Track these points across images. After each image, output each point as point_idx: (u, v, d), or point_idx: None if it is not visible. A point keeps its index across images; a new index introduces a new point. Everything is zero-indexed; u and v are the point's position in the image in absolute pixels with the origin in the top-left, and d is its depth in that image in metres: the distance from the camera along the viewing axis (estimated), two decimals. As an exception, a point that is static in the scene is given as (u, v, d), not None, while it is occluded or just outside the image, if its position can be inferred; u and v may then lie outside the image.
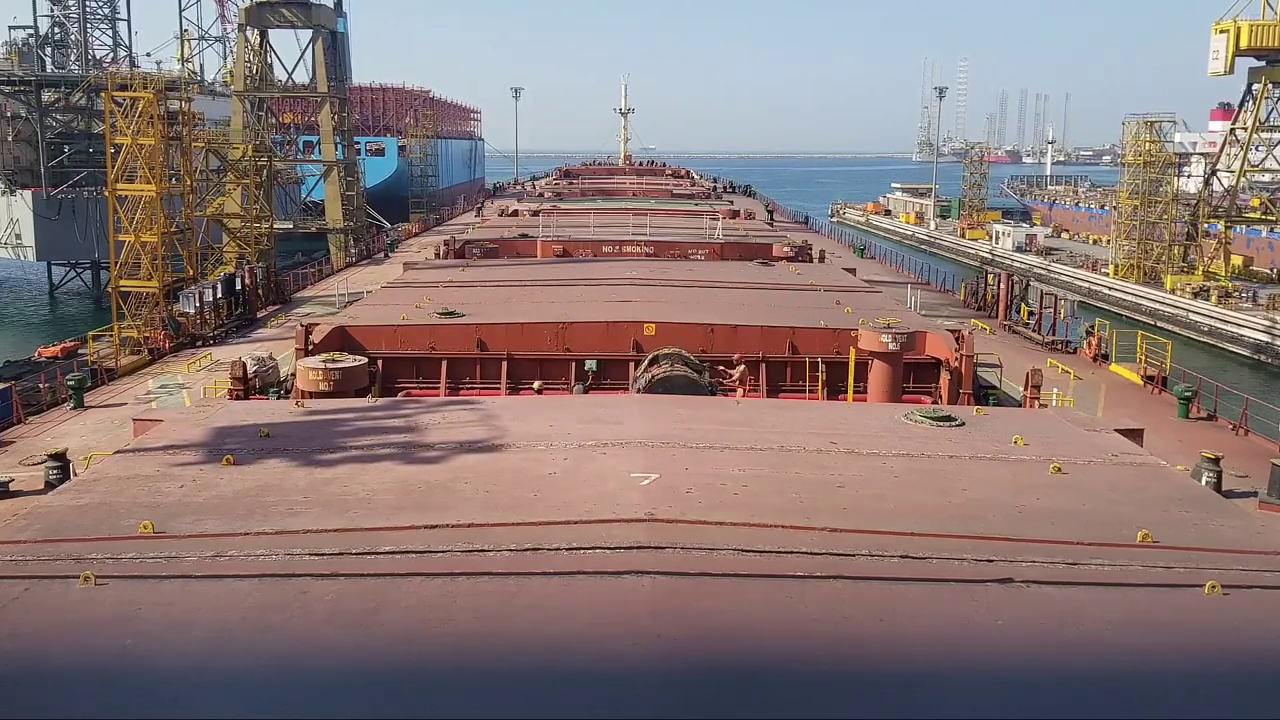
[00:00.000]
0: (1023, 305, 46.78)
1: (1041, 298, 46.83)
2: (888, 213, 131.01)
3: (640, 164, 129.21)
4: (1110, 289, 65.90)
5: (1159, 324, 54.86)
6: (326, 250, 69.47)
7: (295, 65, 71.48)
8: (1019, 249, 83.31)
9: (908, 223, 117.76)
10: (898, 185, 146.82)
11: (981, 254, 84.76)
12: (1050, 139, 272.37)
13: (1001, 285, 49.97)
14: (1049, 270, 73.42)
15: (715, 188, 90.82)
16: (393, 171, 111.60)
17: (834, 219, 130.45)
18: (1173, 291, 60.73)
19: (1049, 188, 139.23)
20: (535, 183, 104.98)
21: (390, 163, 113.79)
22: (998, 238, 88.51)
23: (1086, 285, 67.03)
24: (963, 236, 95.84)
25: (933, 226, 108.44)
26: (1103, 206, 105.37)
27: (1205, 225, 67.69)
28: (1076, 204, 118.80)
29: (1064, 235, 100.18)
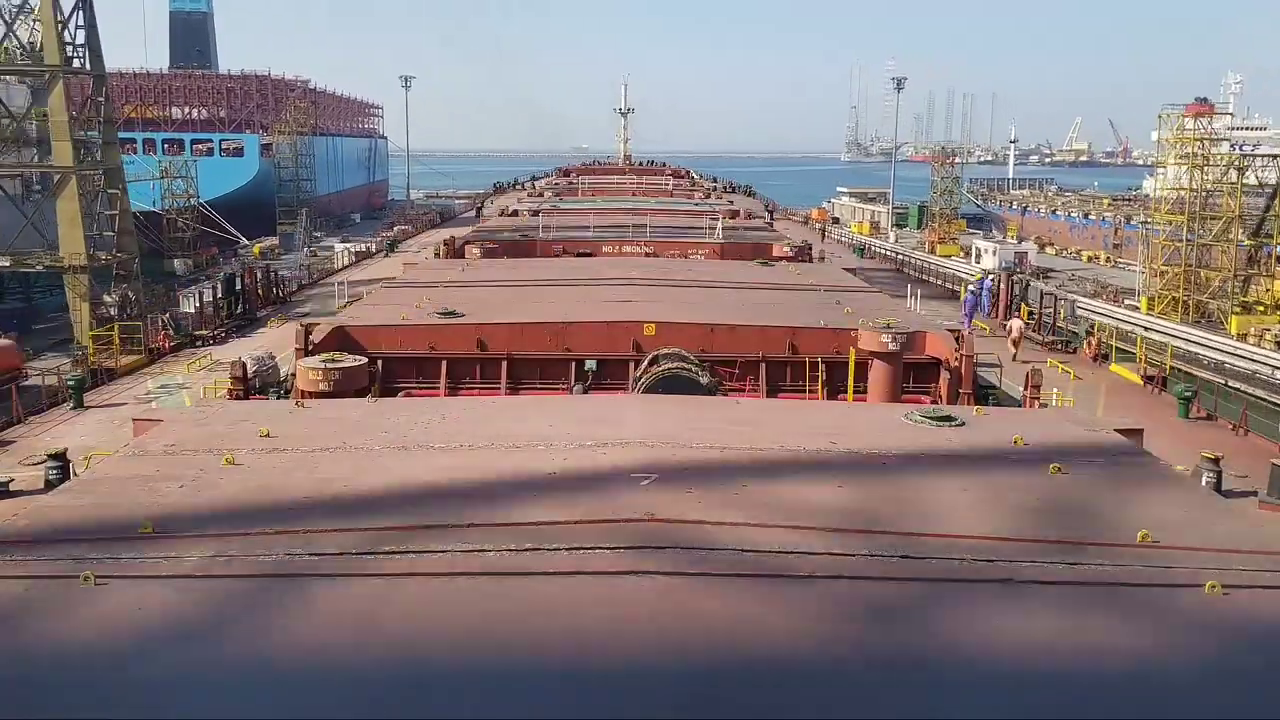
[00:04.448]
0: (1022, 305, 46.87)
1: (1041, 298, 46.88)
2: (835, 221, 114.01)
3: (640, 164, 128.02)
4: (1148, 329, 48.10)
5: (1227, 384, 37.20)
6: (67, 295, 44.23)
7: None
8: (1007, 270, 65.57)
9: (861, 233, 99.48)
10: (844, 189, 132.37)
11: (962, 275, 65.24)
12: (1013, 138, 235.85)
13: (1001, 285, 50.07)
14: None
15: (715, 188, 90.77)
16: (253, 175, 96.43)
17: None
18: (1242, 338, 45.60)
19: (1012, 192, 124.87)
20: (535, 183, 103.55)
21: (249, 164, 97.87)
22: (978, 255, 72.25)
23: (1113, 323, 47.79)
24: (931, 252, 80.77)
25: (892, 239, 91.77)
26: (1086, 215, 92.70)
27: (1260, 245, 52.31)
28: (1053, 211, 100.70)
29: (1049, 250, 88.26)
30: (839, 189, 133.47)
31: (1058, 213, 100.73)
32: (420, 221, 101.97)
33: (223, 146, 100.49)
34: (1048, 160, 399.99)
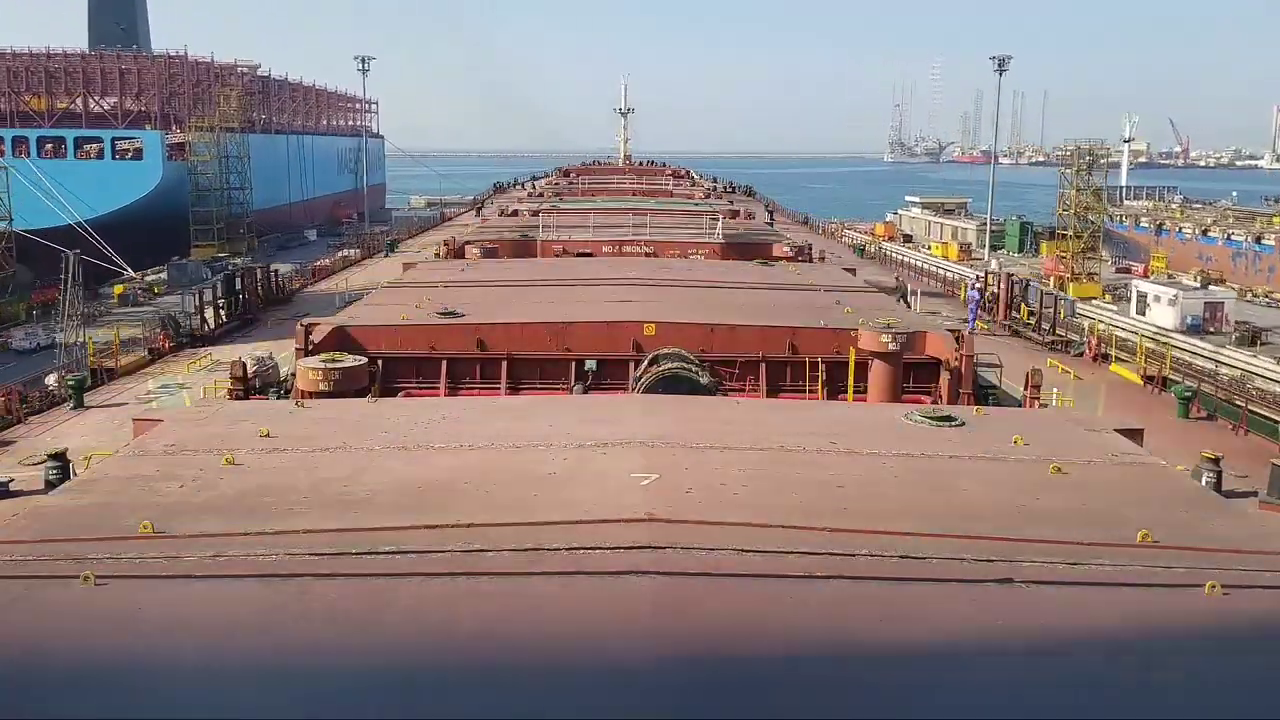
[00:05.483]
0: (1023, 305, 46.90)
1: (1041, 297, 46.94)
2: (907, 238, 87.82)
3: (640, 164, 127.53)
4: None
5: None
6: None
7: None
8: (1192, 328, 45.98)
9: (946, 258, 72.92)
10: (914, 199, 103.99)
11: (1134, 334, 43.13)
12: (1127, 135, 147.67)
13: (1002, 285, 50.11)
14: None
15: (715, 188, 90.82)
16: (155, 184, 75.51)
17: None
18: None
19: (1128, 203, 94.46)
20: (535, 183, 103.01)
21: (150, 170, 76.61)
22: (1143, 303, 47.96)
23: None
24: (1059, 290, 53.86)
25: (995, 267, 62.99)
26: (1259, 239, 66.08)
27: None
28: (1204, 232, 71.62)
29: (1235, 291, 58.95)
30: (908, 199, 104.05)
31: (1211, 234, 71.57)
32: (372, 243, 74.83)
33: (117, 147, 78.74)
34: (1103, 161, 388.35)
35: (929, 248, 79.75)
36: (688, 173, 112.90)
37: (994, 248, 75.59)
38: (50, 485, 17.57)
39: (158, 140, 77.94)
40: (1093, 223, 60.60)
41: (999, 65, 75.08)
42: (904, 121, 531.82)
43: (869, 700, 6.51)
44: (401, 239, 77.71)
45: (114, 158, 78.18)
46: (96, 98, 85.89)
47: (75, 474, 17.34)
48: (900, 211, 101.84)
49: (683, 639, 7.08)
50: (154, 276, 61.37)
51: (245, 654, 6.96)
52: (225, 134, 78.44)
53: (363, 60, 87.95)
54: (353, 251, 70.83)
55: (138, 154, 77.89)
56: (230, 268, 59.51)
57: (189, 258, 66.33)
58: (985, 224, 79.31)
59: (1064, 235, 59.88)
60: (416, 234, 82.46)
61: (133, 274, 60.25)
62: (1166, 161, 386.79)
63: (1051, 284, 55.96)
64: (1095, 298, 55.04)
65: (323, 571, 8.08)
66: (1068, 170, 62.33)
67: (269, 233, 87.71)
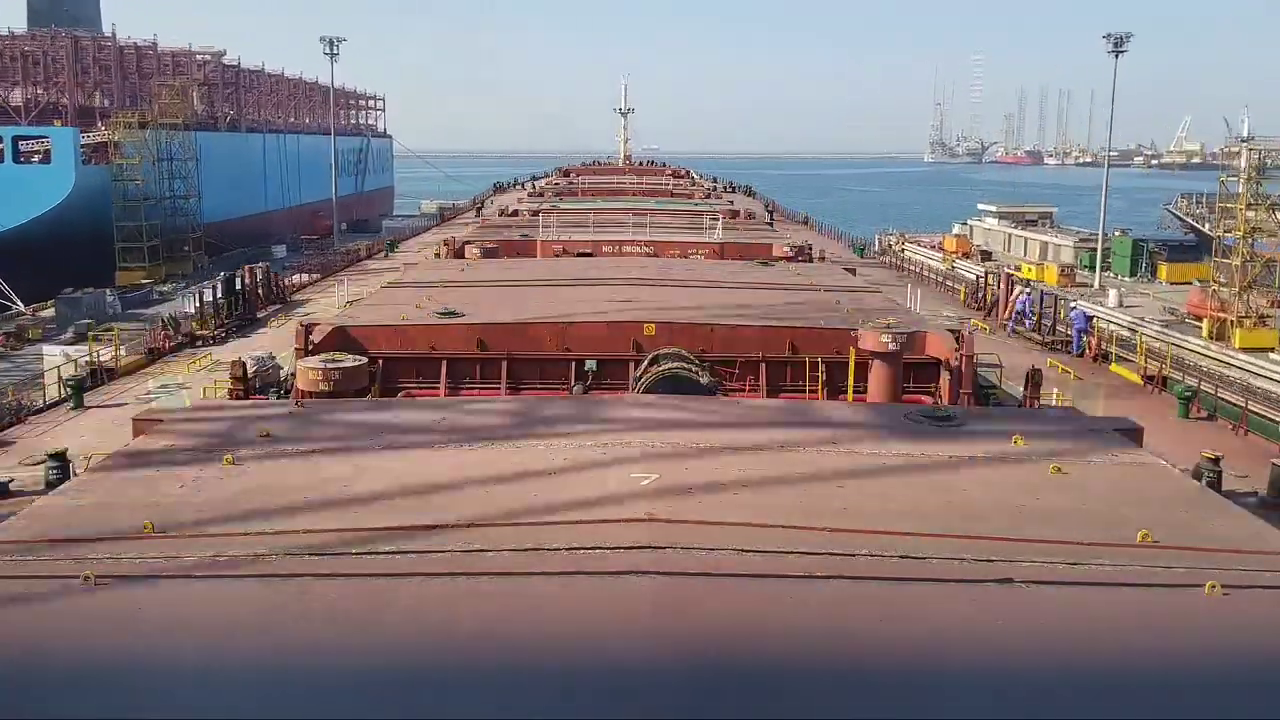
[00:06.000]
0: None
1: (1041, 298, 46.96)
2: (986, 256, 71.33)
3: (640, 164, 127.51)
4: None
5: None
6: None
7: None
8: None
9: (1049, 284, 57.76)
10: (988, 207, 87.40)
11: None
12: (1233, 138, 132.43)
13: (1002, 286, 50.13)
14: None
15: (715, 188, 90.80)
16: (66, 193, 61.20)
17: (886, 259, 68.76)
18: None
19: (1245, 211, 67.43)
20: (535, 183, 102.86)
21: (60, 175, 62.03)
22: None
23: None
24: (1216, 339, 42.83)
25: (1113, 300, 51.20)
26: None
27: None
28: None
29: None
30: (980, 207, 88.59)
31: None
32: (336, 263, 60.99)
33: (21, 147, 64.20)
34: (1154, 163, 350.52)
35: (1017, 268, 62.94)
36: (688, 172, 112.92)
37: (1100, 269, 62.52)
38: (50, 485, 17.59)
39: (69, 139, 62.87)
40: (1260, 242, 43.88)
41: (1115, 46, 61.62)
42: (944, 121, 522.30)
43: (869, 700, 6.51)
44: (399, 240, 75.90)
45: (17, 160, 63.55)
46: (55, 90, 71.49)
47: (75, 474, 17.35)
48: (972, 222, 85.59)
49: (683, 639, 7.09)
50: (47, 312, 48.69)
51: (245, 654, 6.96)
52: (166, 131, 65.19)
53: (331, 43, 71.11)
54: (302, 276, 54.75)
55: (42, 157, 63.78)
56: (156, 296, 50.54)
57: (89, 289, 50.63)
58: (1089, 239, 64.61)
59: (1223, 262, 45.51)
60: (410, 237, 79.28)
61: (23, 308, 49.28)
62: (1218, 163, 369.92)
63: (1204, 328, 43.75)
64: (1271, 349, 39.55)
65: (323, 571, 8.08)
66: (1231, 178, 47.44)
67: (234, 247, 73.59)
